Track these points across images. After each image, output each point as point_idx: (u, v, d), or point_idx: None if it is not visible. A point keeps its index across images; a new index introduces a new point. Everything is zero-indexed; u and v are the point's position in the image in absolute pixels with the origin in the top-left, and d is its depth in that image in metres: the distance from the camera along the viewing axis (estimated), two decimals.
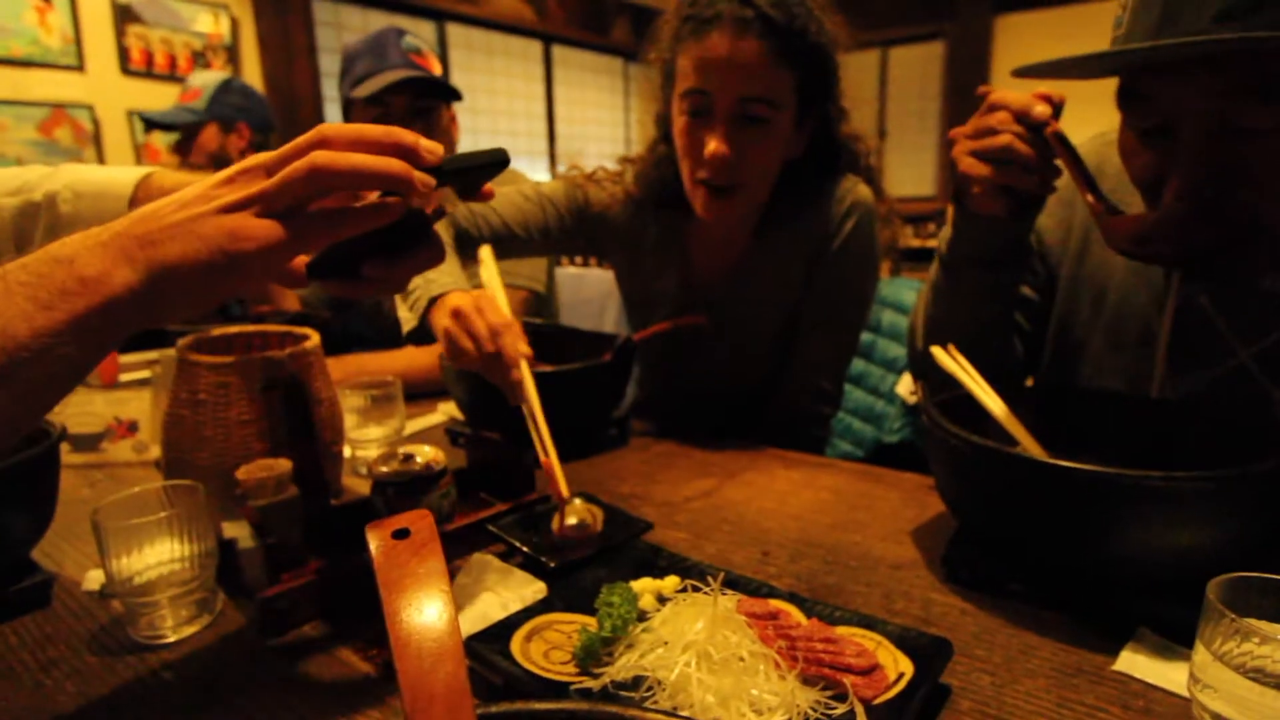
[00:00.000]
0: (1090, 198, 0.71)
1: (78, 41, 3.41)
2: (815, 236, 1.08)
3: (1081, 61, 0.62)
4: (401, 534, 0.34)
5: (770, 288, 1.13)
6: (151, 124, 2.05)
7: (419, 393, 1.29)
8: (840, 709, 0.46)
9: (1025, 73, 0.67)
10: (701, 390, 1.24)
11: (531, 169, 5.99)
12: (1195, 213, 0.64)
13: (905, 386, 1.49)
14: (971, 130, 0.75)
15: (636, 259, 1.22)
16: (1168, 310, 0.78)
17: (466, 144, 1.58)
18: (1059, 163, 0.73)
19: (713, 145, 0.97)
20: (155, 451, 1.04)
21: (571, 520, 0.76)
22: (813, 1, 0.99)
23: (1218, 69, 0.60)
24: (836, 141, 1.09)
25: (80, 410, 1.02)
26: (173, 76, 3.76)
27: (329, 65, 4.36)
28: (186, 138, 2.02)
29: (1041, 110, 0.70)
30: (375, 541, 0.34)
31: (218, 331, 0.86)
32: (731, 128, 0.97)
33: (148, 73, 3.67)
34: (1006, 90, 0.73)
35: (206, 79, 2.07)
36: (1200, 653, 0.44)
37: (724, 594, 0.56)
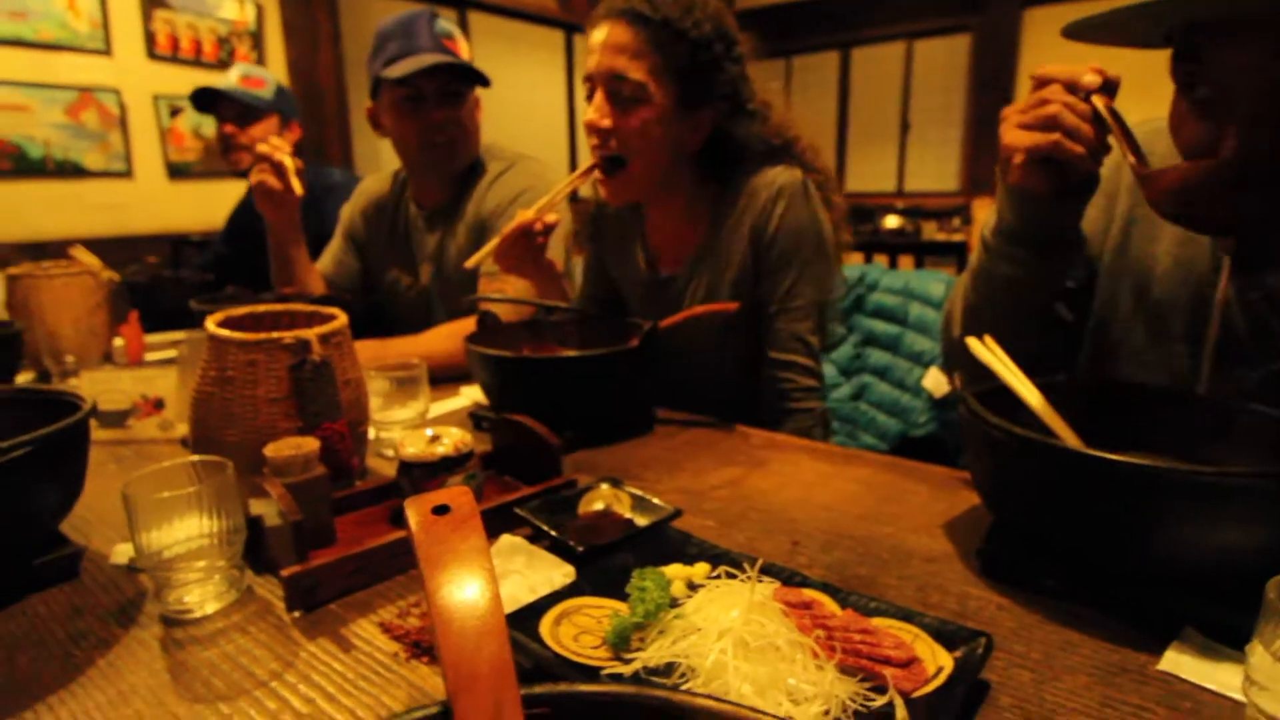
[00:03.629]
0: (1133, 159, 0.69)
1: (105, 26, 3.43)
2: (753, 225, 1.16)
3: (1135, 10, 0.60)
4: (441, 510, 0.34)
5: (720, 274, 1.20)
6: (215, 97, 2.08)
7: (441, 377, 1.29)
8: (879, 701, 0.45)
9: (1073, 30, 0.66)
10: (684, 377, 1.25)
11: (552, 158, 5.97)
12: (1239, 172, 0.62)
13: (931, 380, 1.47)
14: (1024, 106, 0.74)
15: (603, 253, 1.38)
16: (1217, 305, 0.76)
17: (488, 131, 1.59)
18: (1111, 139, 0.70)
19: (589, 114, 1.12)
20: (180, 429, 1.04)
21: (598, 505, 0.75)
22: (699, 7, 1.10)
23: (1272, 26, 0.58)
24: (736, 139, 1.17)
25: (108, 387, 1.03)
26: (198, 62, 3.78)
27: (353, 53, 4.36)
28: (247, 120, 2.09)
29: (1091, 79, 0.69)
30: (415, 517, 0.33)
31: (245, 310, 0.86)
32: (607, 101, 1.11)
33: (174, 58, 3.69)
34: (1056, 64, 0.72)
35: (265, 73, 2.18)
36: (1258, 653, 0.42)
37: (759, 581, 0.55)
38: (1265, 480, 0.51)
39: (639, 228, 1.31)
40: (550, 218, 1.16)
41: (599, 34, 1.11)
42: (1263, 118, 0.61)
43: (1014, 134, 0.74)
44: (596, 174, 1.17)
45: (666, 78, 1.10)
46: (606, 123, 1.11)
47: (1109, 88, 0.70)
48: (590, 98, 1.14)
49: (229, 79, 2.10)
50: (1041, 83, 0.72)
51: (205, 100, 2.10)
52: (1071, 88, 0.70)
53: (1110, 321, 0.88)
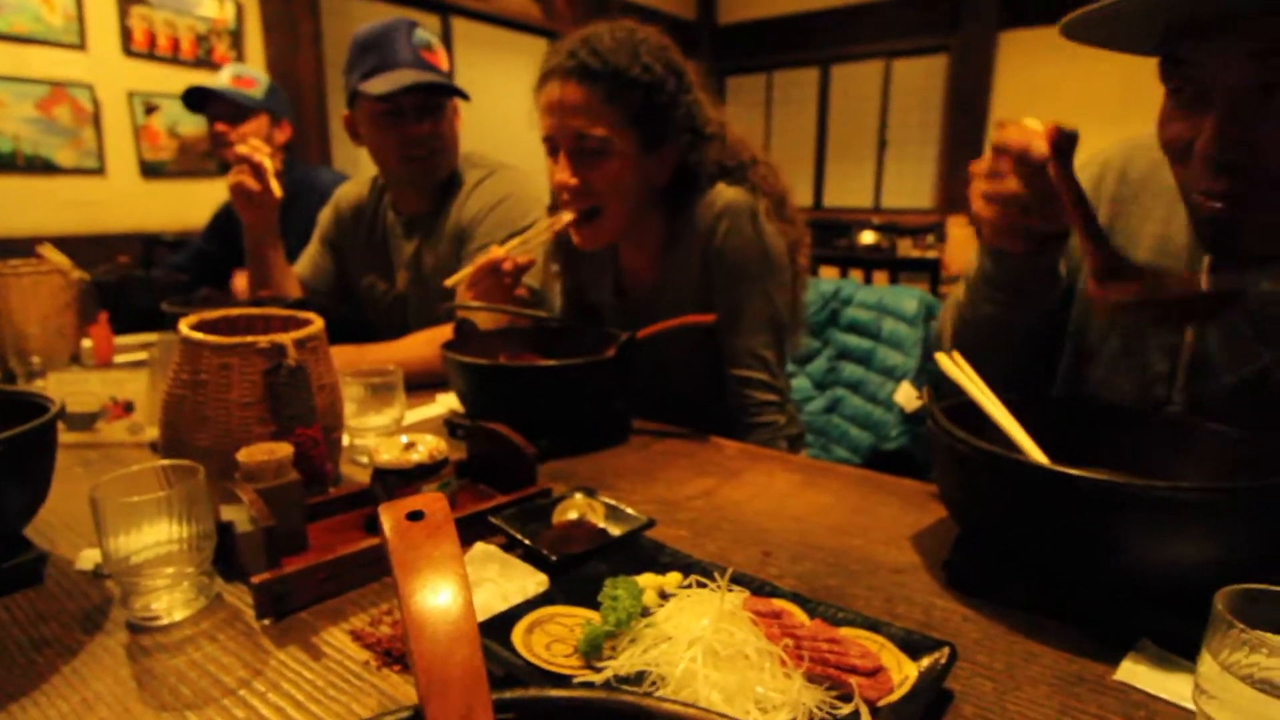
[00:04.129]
0: (1089, 245, 0.68)
1: (80, 20, 3.38)
2: (699, 243, 1.18)
3: (1123, 4, 0.62)
4: (416, 516, 0.34)
5: (681, 294, 1.22)
6: (205, 96, 2.08)
7: (416, 384, 1.29)
8: (845, 709, 0.46)
9: (1069, 29, 0.67)
10: (657, 389, 1.28)
11: (534, 165, 5.96)
12: (1175, 305, 0.66)
13: (902, 395, 1.49)
14: (985, 169, 0.74)
15: (579, 277, 1.39)
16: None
17: (471, 139, 1.59)
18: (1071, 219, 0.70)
19: (558, 176, 1.14)
20: (150, 433, 1.03)
21: (572, 515, 0.75)
22: (644, 49, 1.11)
23: (1253, 32, 0.61)
24: (692, 167, 1.19)
25: (76, 389, 1.01)
26: (175, 59, 3.73)
27: (333, 54, 4.33)
28: (238, 119, 2.09)
29: (1039, 149, 0.68)
30: (389, 522, 0.33)
31: (219, 313, 0.85)
32: (573, 160, 1.13)
33: (150, 55, 3.64)
34: (1012, 127, 0.71)
35: (257, 73, 2.19)
36: (1206, 663, 0.44)
37: (729, 591, 0.55)
38: (1215, 494, 0.53)
39: (610, 253, 1.33)
40: (522, 259, 1.18)
41: (551, 94, 1.11)
42: (1236, 117, 0.63)
43: (978, 203, 0.76)
44: (571, 223, 1.18)
45: (627, 126, 1.11)
46: (575, 181, 1.13)
47: (1065, 144, 0.68)
48: (552, 156, 1.16)
49: (221, 78, 2.10)
50: (996, 150, 0.72)
51: (196, 99, 2.09)
52: (1024, 159, 0.69)
53: (1088, 329, 0.91)
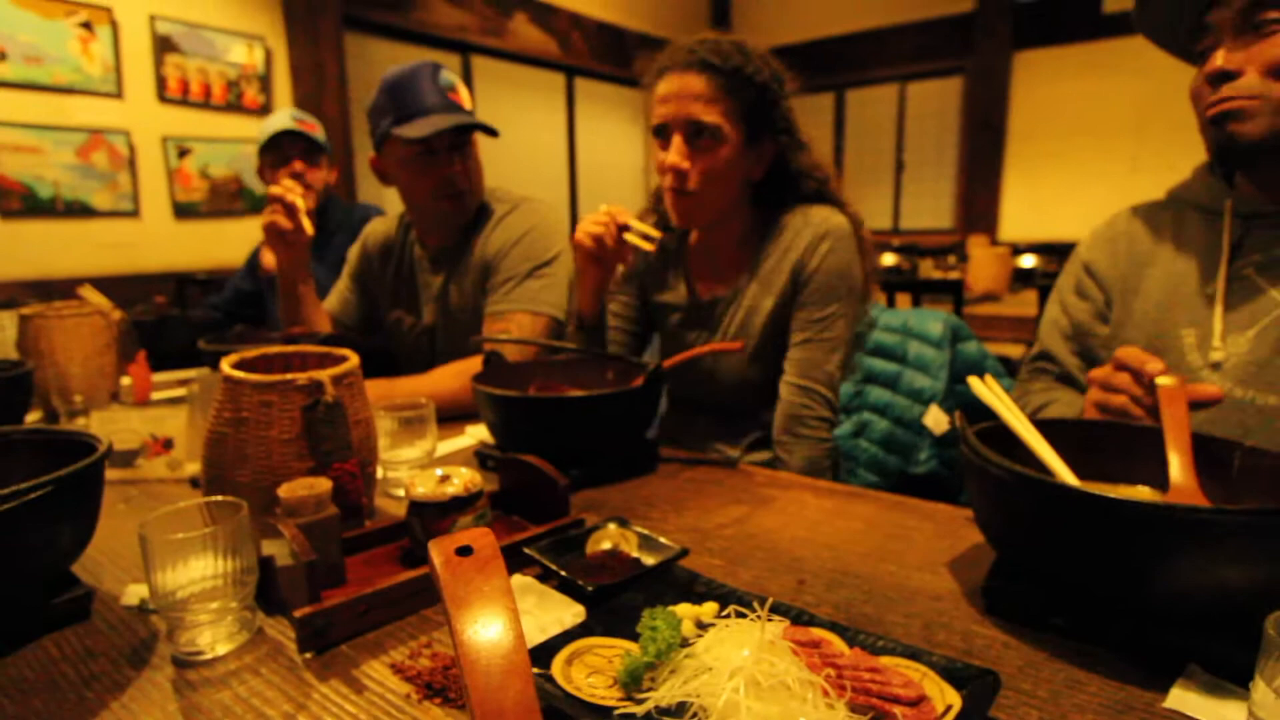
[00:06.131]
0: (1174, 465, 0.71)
1: (118, 70, 3.51)
2: (797, 259, 1.25)
3: None
4: (465, 551, 0.35)
5: (764, 301, 1.28)
6: (289, 135, 2.23)
7: (446, 416, 1.30)
8: None
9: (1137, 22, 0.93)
10: (703, 400, 1.33)
11: (554, 197, 6.06)
12: None
13: (932, 418, 1.48)
14: (1102, 380, 0.81)
15: (644, 281, 1.45)
16: (1220, 280, 0.89)
17: (490, 174, 1.62)
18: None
19: (671, 158, 1.20)
20: (189, 469, 1.05)
21: (605, 545, 0.76)
22: (755, 54, 1.22)
23: None
24: (792, 169, 1.28)
25: (117, 426, 1.04)
26: (207, 104, 3.86)
27: (358, 95, 4.45)
28: (310, 156, 2.27)
29: (1154, 368, 0.76)
30: (439, 558, 0.34)
31: (257, 351, 0.87)
32: (685, 143, 1.20)
33: (183, 100, 3.77)
34: (1136, 350, 0.78)
35: (312, 117, 2.36)
36: (1261, 690, 0.43)
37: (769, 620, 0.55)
38: (1261, 517, 0.52)
39: (680, 254, 1.39)
40: (641, 242, 1.18)
41: (671, 84, 1.19)
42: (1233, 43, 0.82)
43: (1091, 413, 0.84)
44: (669, 197, 1.24)
45: (736, 118, 1.20)
46: (687, 164, 1.20)
47: (1176, 385, 0.74)
48: (664, 143, 1.23)
49: (288, 120, 2.23)
50: (1117, 364, 0.79)
51: (278, 138, 2.22)
52: (1139, 374, 0.76)
53: (1123, 326, 1.00)
